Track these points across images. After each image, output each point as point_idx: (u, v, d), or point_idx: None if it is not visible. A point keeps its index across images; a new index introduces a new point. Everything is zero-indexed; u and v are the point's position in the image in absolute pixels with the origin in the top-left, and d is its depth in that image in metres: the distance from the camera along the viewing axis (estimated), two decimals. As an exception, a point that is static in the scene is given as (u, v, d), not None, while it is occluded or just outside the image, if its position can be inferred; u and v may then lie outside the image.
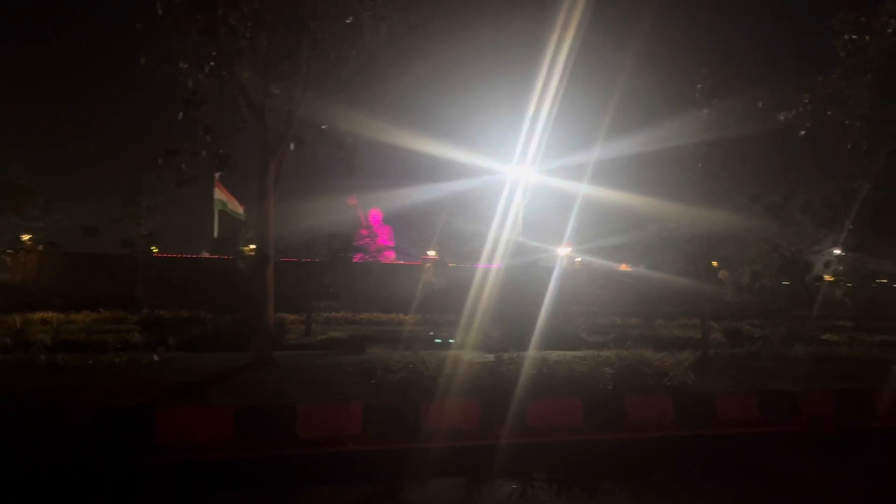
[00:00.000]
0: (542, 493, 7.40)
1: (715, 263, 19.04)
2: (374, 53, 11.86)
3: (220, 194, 32.23)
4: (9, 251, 19.13)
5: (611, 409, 10.39)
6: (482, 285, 21.78)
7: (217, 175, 29.89)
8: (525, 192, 27.91)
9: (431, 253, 24.80)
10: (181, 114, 10.98)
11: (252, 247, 24.61)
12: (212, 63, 11.02)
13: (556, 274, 24.06)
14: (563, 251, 27.64)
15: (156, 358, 11.40)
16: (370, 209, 36.02)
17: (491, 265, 24.20)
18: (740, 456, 9.53)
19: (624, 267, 25.74)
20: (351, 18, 11.03)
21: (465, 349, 13.75)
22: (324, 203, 21.52)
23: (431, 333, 16.69)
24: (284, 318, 18.88)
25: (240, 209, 33.25)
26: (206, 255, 29.80)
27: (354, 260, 22.69)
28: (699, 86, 14.11)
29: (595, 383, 10.82)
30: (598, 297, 24.90)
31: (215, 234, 32.34)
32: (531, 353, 12.19)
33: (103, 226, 23.79)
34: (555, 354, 12.09)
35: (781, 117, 14.90)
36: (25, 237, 20.01)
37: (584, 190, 17.21)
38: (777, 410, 11.06)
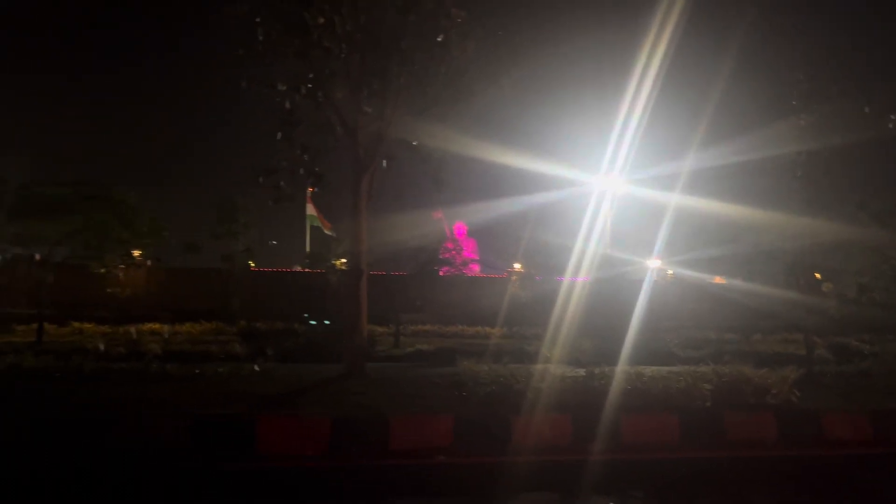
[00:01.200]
0: (637, 511, 7.22)
1: (818, 275, 18.08)
2: (462, 69, 12.03)
3: (311, 210, 33.34)
4: (121, 266, 20.50)
5: (709, 427, 10.03)
6: (569, 298, 21.50)
7: (309, 192, 30.95)
8: (612, 203, 27.43)
9: (517, 266, 24.77)
10: (279, 134, 11.48)
11: (342, 261, 25.36)
12: (308, 85, 11.47)
13: (645, 287, 23.50)
14: (653, 264, 26.92)
15: (256, 368, 11.88)
16: (455, 222, 36.32)
17: (578, 278, 23.91)
18: (850, 478, 8.99)
19: (718, 280, 24.82)
20: (441, 37, 11.25)
21: (553, 363, 13.62)
22: (410, 217, 21.85)
23: (525, 347, 16.59)
24: (373, 330, 19.26)
25: (328, 226, 34.30)
26: (297, 268, 30.85)
27: (440, 273, 22.88)
28: (795, 92, 13.51)
29: (692, 399, 10.47)
30: (691, 310, 24.11)
31: (307, 249, 33.39)
32: (623, 367, 11.93)
33: (203, 242, 25.19)
34: (648, 370, 11.79)
35: (892, 123, 13.97)
36: (135, 253, 21.42)
37: (677, 200, 16.73)
38: (893, 431, 10.36)
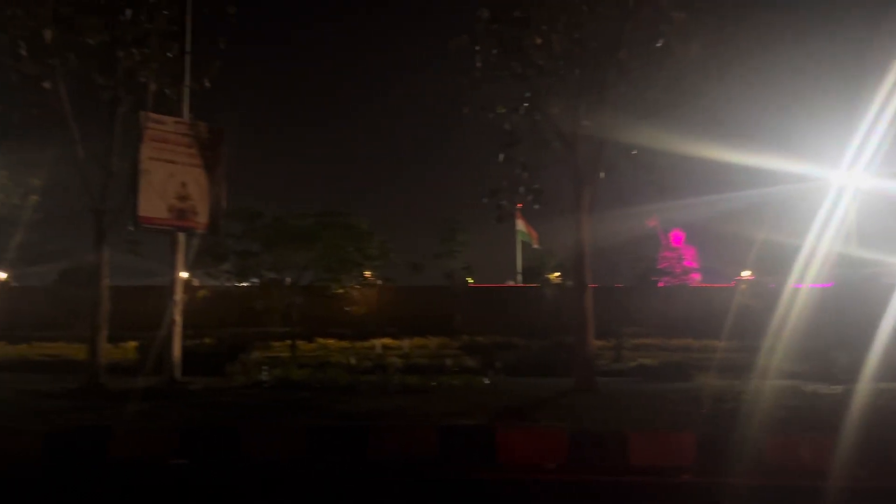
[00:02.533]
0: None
1: None
2: (684, 71, 11.63)
3: (521, 226, 33.94)
4: (356, 287, 22.50)
5: None
6: (809, 306, 19.55)
7: (518, 207, 31.64)
8: (857, 199, 24.54)
9: (746, 272, 23.14)
10: (501, 155, 11.92)
11: (556, 274, 25.52)
12: (525, 104, 11.80)
13: (901, 291, 20.67)
14: (912, 264, 23.61)
15: (486, 381, 12.36)
16: (671, 230, 34.83)
17: (818, 283, 21.70)
18: None
19: None
20: (660, 42, 10.99)
21: (802, 379, 12.50)
22: (626, 227, 21.39)
23: (762, 361, 15.42)
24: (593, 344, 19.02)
25: (536, 240, 34.67)
26: (510, 283, 31.59)
27: (660, 284, 22.07)
28: None
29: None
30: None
31: (518, 264, 34.05)
32: (884, 385, 10.60)
33: (427, 261, 26.85)
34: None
35: None
36: (367, 274, 23.37)
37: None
38: None
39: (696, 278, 29.56)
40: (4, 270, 20.91)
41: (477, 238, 28.60)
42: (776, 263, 23.24)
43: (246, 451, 8.73)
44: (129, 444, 8.63)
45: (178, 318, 12.60)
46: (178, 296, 12.66)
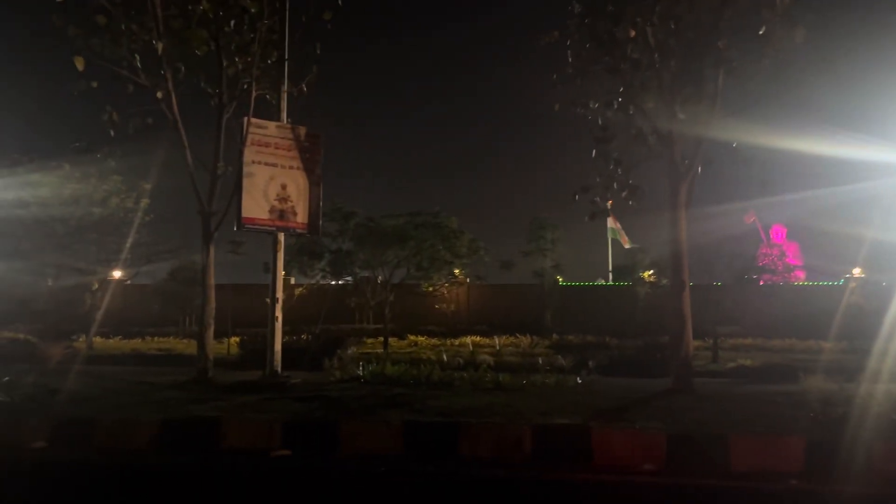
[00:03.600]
0: None
1: None
2: (788, 60, 11.07)
3: (612, 223, 33.33)
4: (446, 285, 22.77)
5: None
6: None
7: (608, 205, 31.07)
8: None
9: (856, 270, 21.82)
10: (594, 151, 11.75)
11: (650, 272, 24.90)
12: (619, 99, 11.58)
13: None
14: None
15: (579, 380, 12.21)
16: (772, 225, 33.23)
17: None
18: None
19: None
20: (762, 29, 10.52)
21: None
22: (723, 222, 20.59)
23: (874, 363, 14.53)
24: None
25: (626, 240, 33.90)
26: (601, 282, 31.06)
27: (760, 282, 21.12)
28: None
29: None
30: None
31: (609, 262, 33.46)
32: None
33: (516, 259, 26.83)
34: None
35: None
36: (457, 272, 23.60)
37: None
38: None
39: (800, 276, 28.09)
40: (120, 269, 22.38)
41: (567, 236, 28.38)
42: (888, 261, 21.80)
43: (345, 445, 9.01)
44: (237, 435, 9.09)
45: (278, 314, 13.13)
46: (279, 293, 13.19)
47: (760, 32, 10.58)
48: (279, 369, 13.09)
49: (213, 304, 13.38)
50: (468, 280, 25.77)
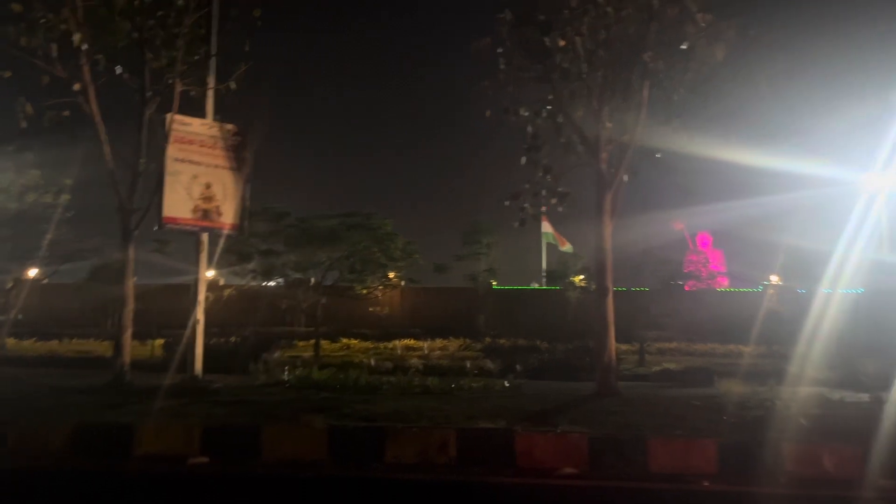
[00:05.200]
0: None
1: None
2: (710, 73, 11.47)
3: (546, 228, 33.84)
4: (380, 287, 22.59)
5: None
6: (838, 312, 19.18)
7: (543, 210, 31.56)
8: (889, 204, 24.02)
9: (774, 278, 22.78)
10: (524, 158, 11.88)
11: (580, 277, 25.36)
12: (548, 107, 11.74)
13: (937, 298, 20.17)
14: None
15: (507, 384, 12.30)
16: (698, 233, 34.40)
17: (848, 289, 21.24)
18: None
19: None
20: (685, 44, 10.86)
21: (829, 386, 12.28)
22: (650, 230, 21.18)
23: (789, 367, 15.20)
24: (617, 349, 18.84)
25: (564, 243, 34.54)
26: (535, 285, 31.45)
27: (685, 288, 21.80)
28: None
29: None
30: None
31: (543, 267, 33.93)
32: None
33: (450, 263, 26.89)
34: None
35: None
36: (391, 275, 23.45)
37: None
38: None
39: (724, 283, 29.17)
40: (37, 267, 21.35)
41: (504, 241, 28.64)
42: (805, 269, 22.82)
43: (267, 451, 8.81)
44: (153, 441, 8.77)
45: (200, 317, 12.75)
46: (202, 295, 12.82)
47: (683, 47, 10.92)
48: (201, 373, 12.71)
49: (131, 305, 12.92)
50: (402, 283, 25.68)
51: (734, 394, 10.63)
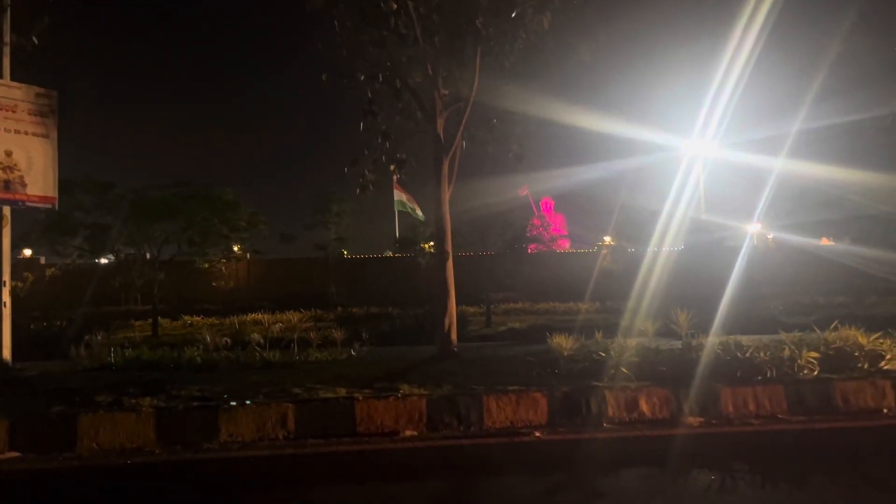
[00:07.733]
0: (743, 484, 6.95)
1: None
2: (538, 43, 11.84)
3: (399, 195, 33.92)
4: (223, 260, 21.61)
5: (817, 396, 9.55)
6: (663, 268, 20.92)
7: (395, 178, 31.54)
8: (706, 168, 26.33)
9: (607, 238, 24.35)
10: (362, 124, 11.71)
11: (431, 244, 25.71)
12: (385, 73, 11.62)
13: (743, 252, 22.53)
14: (752, 228, 25.72)
15: (353, 353, 12.27)
16: (542, 198, 35.97)
17: (671, 247, 23.13)
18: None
19: (825, 241, 23.42)
20: (515, 12, 11.10)
21: (648, 336, 13.34)
22: (495, 195, 21.83)
23: (617, 321, 16.35)
24: (465, 311, 19.42)
25: (419, 210, 34.84)
26: (389, 254, 31.56)
27: (529, 251, 22.79)
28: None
29: (798, 369, 10.03)
30: (795, 275, 22.94)
31: (397, 234, 34.10)
32: (722, 338, 11.54)
33: (298, 232, 26.25)
34: (749, 339, 11.34)
35: None
36: (235, 247, 22.51)
37: (779, 164, 15.88)
38: None
39: (565, 245, 30.80)
40: None
41: (357, 209, 28.34)
42: (636, 229, 24.59)
43: (86, 440, 8.23)
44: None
45: (6, 299, 11.54)
46: (7, 276, 11.58)
47: (513, 15, 11.17)
48: (10, 361, 11.56)
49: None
50: (248, 255, 24.76)
51: (563, 348, 11.25)
